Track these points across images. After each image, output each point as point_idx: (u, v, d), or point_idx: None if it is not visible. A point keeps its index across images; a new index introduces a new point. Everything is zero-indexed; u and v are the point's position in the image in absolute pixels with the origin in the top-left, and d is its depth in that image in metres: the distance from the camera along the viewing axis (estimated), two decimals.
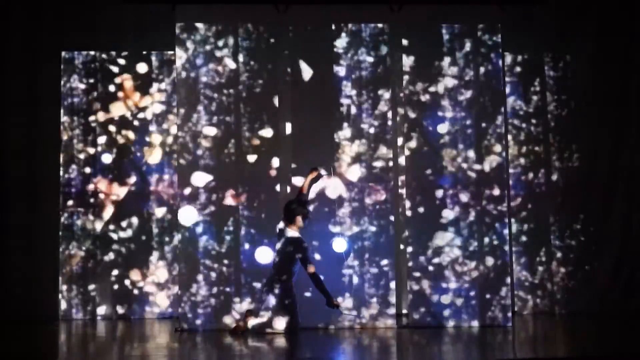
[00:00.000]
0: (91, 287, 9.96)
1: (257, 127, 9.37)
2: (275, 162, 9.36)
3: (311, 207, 9.13)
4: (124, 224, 10.03)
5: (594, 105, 10.33)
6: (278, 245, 8.95)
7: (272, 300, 8.84)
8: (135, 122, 10.12)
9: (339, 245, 9.20)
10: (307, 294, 9.10)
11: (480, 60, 9.49)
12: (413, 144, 9.40)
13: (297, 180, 9.30)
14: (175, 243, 9.60)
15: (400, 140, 9.74)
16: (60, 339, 8.86)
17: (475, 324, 9.22)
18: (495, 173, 9.41)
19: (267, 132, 9.38)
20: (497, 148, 9.44)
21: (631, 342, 8.43)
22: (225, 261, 9.23)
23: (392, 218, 9.33)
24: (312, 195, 9.21)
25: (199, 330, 9.07)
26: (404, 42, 9.50)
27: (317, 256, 9.13)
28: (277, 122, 9.39)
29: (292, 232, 8.94)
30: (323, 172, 9.24)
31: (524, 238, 10.23)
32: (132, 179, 10.06)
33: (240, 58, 9.41)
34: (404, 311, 9.72)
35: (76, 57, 10.11)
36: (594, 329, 9.27)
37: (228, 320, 9.12)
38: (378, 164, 9.35)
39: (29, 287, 9.88)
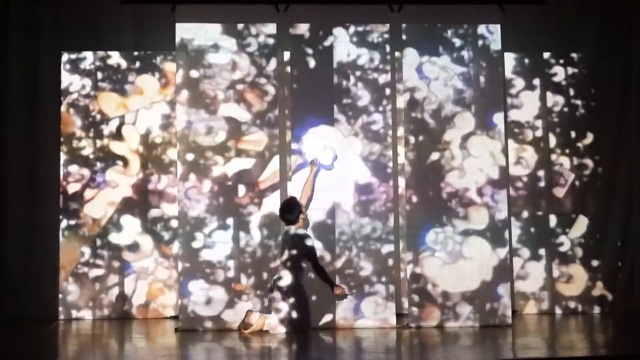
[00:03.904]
0: (91, 286, 9.95)
1: (257, 127, 9.38)
2: (276, 161, 9.37)
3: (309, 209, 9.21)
4: (124, 222, 10.02)
5: (595, 105, 10.34)
6: (284, 244, 8.97)
7: (279, 299, 8.86)
8: (135, 122, 10.11)
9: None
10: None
11: (480, 61, 9.50)
12: (413, 144, 9.41)
13: (298, 177, 9.32)
14: (177, 241, 9.58)
15: (399, 140, 9.73)
16: (60, 339, 8.85)
17: (475, 323, 9.22)
18: (496, 172, 9.41)
19: (268, 131, 9.38)
20: (498, 147, 9.44)
21: (633, 342, 8.45)
22: (226, 260, 9.24)
23: (392, 217, 9.33)
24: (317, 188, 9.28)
25: (199, 330, 9.08)
26: (403, 42, 9.51)
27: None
28: (278, 121, 9.42)
29: (297, 229, 9.00)
30: (320, 159, 9.25)
31: (525, 237, 10.23)
32: (134, 178, 10.06)
33: (241, 57, 9.42)
34: (405, 311, 9.71)
35: (76, 57, 10.11)
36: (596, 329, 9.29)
37: (229, 320, 9.13)
38: (378, 164, 9.35)
39: (29, 287, 9.89)
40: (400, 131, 9.67)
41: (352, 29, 9.46)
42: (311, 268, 9.04)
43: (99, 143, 10.08)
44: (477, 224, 9.35)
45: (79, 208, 10.01)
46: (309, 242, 8.95)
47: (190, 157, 9.31)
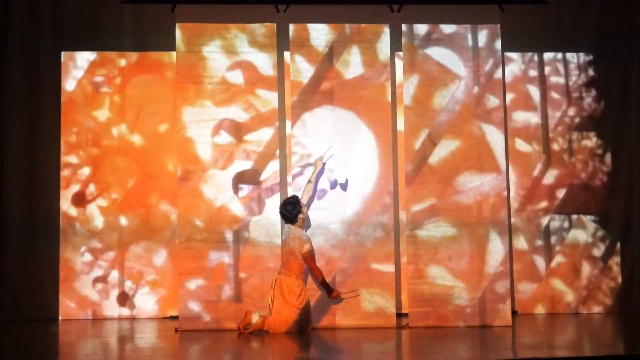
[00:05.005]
0: (90, 286, 9.96)
1: (257, 126, 9.38)
2: (276, 161, 9.38)
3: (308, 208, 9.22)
4: (124, 222, 10.02)
5: (595, 104, 10.34)
6: (284, 243, 8.97)
7: (279, 299, 8.86)
8: (136, 121, 10.11)
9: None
10: None
11: (480, 61, 9.50)
12: (413, 144, 9.41)
13: (299, 180, 9.34)
14: (177, 241, 9.58)
15: (400, 139, 9.73)
16: (60, 339, 8.86)
17: (475, 323, 9.22)
18: (496, 172, 9.41)
19: (268, 131, 9.39)
20: (498, 147, 9.45)
21: (633, 342, 8.46)
22: (227, 260, 9.25)
23: (392, 216, 9.34)
24: (320, 186, 9.29)
25: (199, 330, 9.08)
26: (404, 42, 9.51)
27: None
28: (278, 120, 9.42)
29: (295, 229, 8.98)
30: (325, 158, 9.27)
31: (525, 237, 10.23)
32: (135, 178, 10.06)
33: (241, 57, 9.43)
34: (404, 311, 9.71)
35: (76, 57, 10.11)
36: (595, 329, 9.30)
37: (229, 320, 9.13)
38: (378, 163, 9.36)
39: (29, 287, 9.89)
40: (401, 130, 9.66)
41: (352, 28, 9.46)
42: (308, 269, 9.03)
43: (99, 143, 10.07)
44: (477, 224, 9.35)
45: (79, 208, 10.01)
46: (306, 244, 8.92)
47: (190, 157, 9.31)
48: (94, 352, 8.02)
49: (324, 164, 9.30)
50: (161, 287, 10.00)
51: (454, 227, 9.35)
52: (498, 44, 9.54)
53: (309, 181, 9.21)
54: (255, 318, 8.87)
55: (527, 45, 10.32)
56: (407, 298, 9.44)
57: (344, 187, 9.32)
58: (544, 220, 10.25)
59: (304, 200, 9.10)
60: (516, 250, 10.19)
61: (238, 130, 9.39)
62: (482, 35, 9.53)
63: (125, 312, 9.96)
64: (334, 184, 9.33)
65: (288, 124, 9.72)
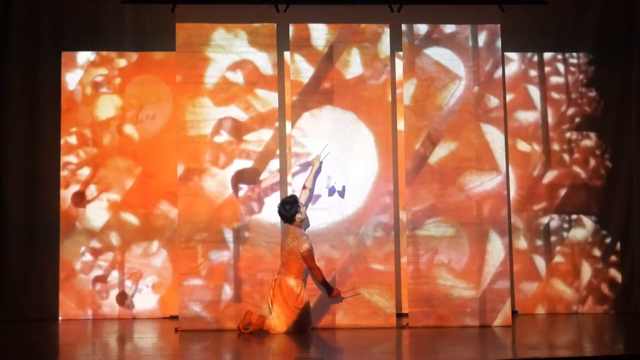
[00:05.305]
0: (91, 286, 9.95)
1: (257, 126, 9.38)
2: (276, 161, 9.38)
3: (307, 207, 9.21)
4: (124, 222, 10.01)
5: (595, 105, 10.34)
6: (283, 243, 8.96)
7: (279, 298, 8.85)
8: (136, 121, 10.10)
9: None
10: None
11: (480, 61, 9.50)
12: (413, 144, 9.41)
13: (298, 180, 9.33)
14: (177, 241, 9.57)
15: (399, 142, 9.73)
16: (60, 339, 8.86)
17: (475, 323, 9.22)
18: (496, 171, 9.41)
19: (268, 131, 9.38)
20: (498, 147, 9.44)
21: (633, 342, 8.46)
22: (227, 260, 9.24)
23: (392, 216, 9.33)
24: (317, 188, 9.28)
25: (199, 330, 9.08)
26: (404, 42, 9.51)
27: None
28: (278, 120, 9.42)
29: (295, 228, 8.97)
30: (322, 157, 9.27)
31: (525, 237, 10.22)
32: (135, 177, 10.06)
33: (241, 56, 9.43)
34: (404, 311, 9.70)
35: (76, 57, 10.10)
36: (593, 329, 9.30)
37: (229, 320, 9.13)
38: (378, 164, 9.36)
39: (29, 287, 9.89)
40: (401, 130, 9.65)
41: (352, 28, 9.46)
42: (308, 269, 9.02)
43: (99, 143, 10.07)
44: (477, 224, 9.35)
45: (79, 208, 10.01)
46: (305, 243, 8.91)
47: (190, 156, 9.31)
48: (94, 352, 8.02)
49: (321, 163, 9.30)
50: (161, 287, 10.00)
51: (454, 227, 9.35)
52: (498, 44, 9.54)
53: (304, 186, 9.19)
54: (255, 318, 8.86)
55: (527, 45, 10.32)
56: (407, 298, 9.43)
57: (341, 194, 9.32)
58: (544, 220, 10.24)
59: (302, 200, 9.09)
60: (516, 250, 10.19)
61: (238, 130, 9.39)
62: (482, 35, 9.53)
63: (125, 312, 9.96)
64: (331, 191, 9.32)
65: (288, 124, 9.72)
